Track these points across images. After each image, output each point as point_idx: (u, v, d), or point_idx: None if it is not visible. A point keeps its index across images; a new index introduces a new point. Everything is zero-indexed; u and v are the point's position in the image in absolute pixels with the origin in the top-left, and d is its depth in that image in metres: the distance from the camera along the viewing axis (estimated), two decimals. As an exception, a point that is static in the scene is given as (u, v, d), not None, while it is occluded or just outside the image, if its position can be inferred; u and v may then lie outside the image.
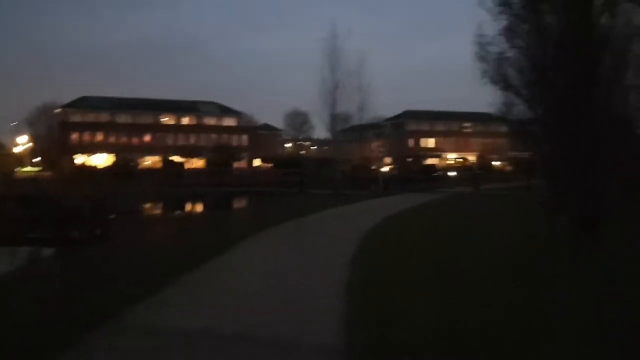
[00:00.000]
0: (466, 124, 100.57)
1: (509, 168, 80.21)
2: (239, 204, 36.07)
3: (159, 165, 70.78)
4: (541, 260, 9.81)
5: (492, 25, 24.36)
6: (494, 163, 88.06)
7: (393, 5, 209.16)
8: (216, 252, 11.06)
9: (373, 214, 19.14)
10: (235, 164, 73.64)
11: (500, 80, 24.03)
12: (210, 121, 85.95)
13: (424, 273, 8.78)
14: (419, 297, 7.20)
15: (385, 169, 70.54)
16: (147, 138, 79.86)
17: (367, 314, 6.49)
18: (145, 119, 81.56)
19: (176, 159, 72.28)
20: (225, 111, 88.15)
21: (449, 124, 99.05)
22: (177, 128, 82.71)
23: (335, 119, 36.98)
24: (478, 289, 7.57)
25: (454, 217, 18.95)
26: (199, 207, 37.50)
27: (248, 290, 8.22)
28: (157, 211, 36.01)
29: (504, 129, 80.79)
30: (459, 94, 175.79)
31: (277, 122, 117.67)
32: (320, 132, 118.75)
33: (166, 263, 10.02)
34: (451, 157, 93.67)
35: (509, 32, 23.76)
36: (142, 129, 79.71)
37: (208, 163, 71.49)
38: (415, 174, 49.24)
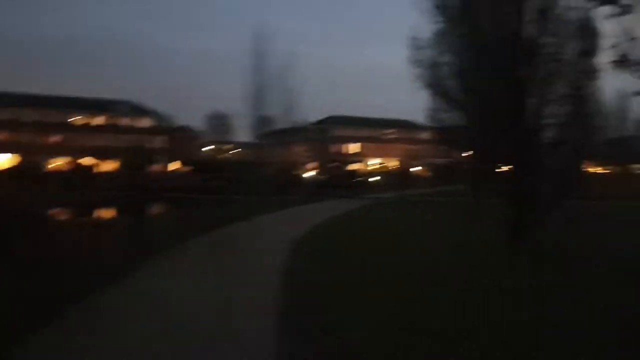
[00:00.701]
0: (388, 130, 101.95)
1: (428, 174, 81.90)
2: (154, 211, 33.22)
3: (69, 167, 66.05)
4: (481, 283, 8.90)
5: (426, 29, 23.98)
6: (414, 169, 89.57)
7: (317, 10, 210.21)
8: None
9: (303, 223, 17.90)
10: (152, 167, 70.01)
11: (433, 85, 23.63)
12: (125, 121, 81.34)
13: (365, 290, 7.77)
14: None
15: (310, 173, 69.59)
16: (55, 138, 74.25)
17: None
18: (55, 117, 75.91)
19: (88, 161, 67.76)
20: (141, 111, 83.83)
21: (372, 130, 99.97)
22: (89, 128, 77.48)
23: (260, 121, 35.37)
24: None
25: (388, 225, 18.27)
26: (106, 215, 34.46)
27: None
28: (61, 217, 32.76)
29: (424, 135, 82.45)
30: (382, 100, 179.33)
31: (198, 124, 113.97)
32: (243, 135, 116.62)
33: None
34: (373, 162, 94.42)
35: (442, 36, 23.38)
36: (50, 128, 74.06)
37: (122, 166, 67.45)
38: (342, 180, 48.54)
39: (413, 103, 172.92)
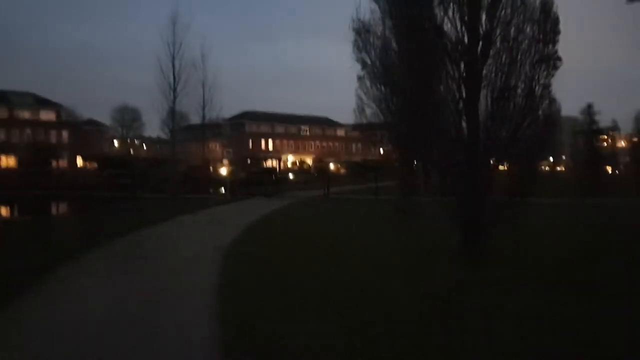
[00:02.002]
0: (304, 127, 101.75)
1: (343, 171, 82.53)
2: (54, 213, 30.30)
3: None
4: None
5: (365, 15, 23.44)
6: (332, 166, 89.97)
7: (231, 5, 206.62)
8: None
9: (227, 226, 16.21)
10: (55, 164, 65.41)
11: (378, 74, 23.16)
12: (25, 114, 75.36)
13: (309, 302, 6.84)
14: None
15: (224, 170, 67.82)
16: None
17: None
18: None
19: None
20: (43, 103, 78.07)
21: (288, 126, 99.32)
22: (-16, 121, 70.99)
23: (174, 115, 33.63)
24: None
25: (321, 226, 16.58)
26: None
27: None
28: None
29: (341, 132, 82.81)
30: (298, 97, 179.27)
31: (105, 118, 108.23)
32: (153, 130, 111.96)
33: None
34: (291, 159, 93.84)
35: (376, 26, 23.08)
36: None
37: (21, 162, 62.46)
38: (261, 177, 47.36)
39: (331, 100, 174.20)
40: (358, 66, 23.72)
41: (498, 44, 10.50)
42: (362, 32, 22.85)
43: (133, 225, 15.63)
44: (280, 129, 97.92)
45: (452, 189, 11.41)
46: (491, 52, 10.49)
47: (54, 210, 31.24)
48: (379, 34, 23.04)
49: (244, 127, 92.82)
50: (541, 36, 10.44)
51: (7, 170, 61.06)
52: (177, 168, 38.26)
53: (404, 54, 18.88)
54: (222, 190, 41.24)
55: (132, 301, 7.50)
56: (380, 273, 8.98)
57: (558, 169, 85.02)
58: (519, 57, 10.41)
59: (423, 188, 20.09)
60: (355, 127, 31.75)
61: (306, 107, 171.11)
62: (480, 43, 10.46)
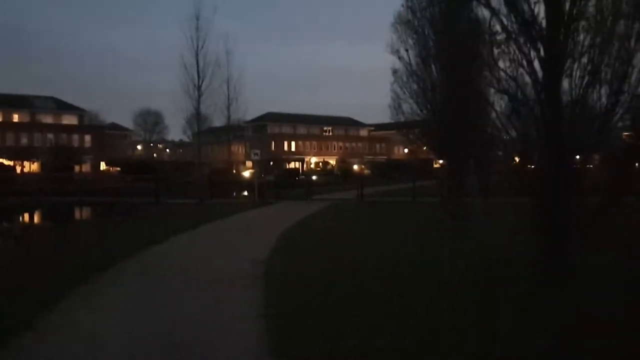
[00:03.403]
0: (327, 127, 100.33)
1: (367, 171, 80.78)
2: (71, 222, 28.43)
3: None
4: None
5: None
6: (356, 166, 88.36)
7: (252, 8, 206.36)
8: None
9: (261, 236, 14.49)
10: (77, 168, 64.90)
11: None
12: (48, 119, 75.21)
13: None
14: None
15: (249, 173, 66.72)
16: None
17: None
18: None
19: (6, 161, 61.92)
20: (65, 107, 77.92)
21: (311, 127, 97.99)
22: (7, 125, 70.83)
23: (199, 114, 32.41)
24: None
25: (365, 235, 14.52)
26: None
27: None
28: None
29: (364, 132, 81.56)
30: (320, 98, 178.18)
31: (128, 122, 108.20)
32: (176, 133, 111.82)
33: None
34: (313, 160, 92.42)
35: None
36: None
37: (44, 167, 62.02)
38: (286, 179, 46.01)
39: (353, 100, 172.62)
40: (393, 60, 22.33)
41: (584, 21, 8.88)
42: (400, 22, 21.45)
43: (156, 236, 14.02)
44: (302, 130, 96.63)
45: (527, 190, 9.79)
46: (577, 30, 8.87)
47: (72, 217, 30.11)
48: (417, 23, 21.61)
49: (267, 129, 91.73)
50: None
51: (30, 175, 60.55)
52: (201, 171, 37.07)
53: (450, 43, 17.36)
54: (247, 193, 39.94)
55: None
56: (450, 306, 7.30)
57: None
58: (610, 35, 8.78)
59: (475, 189, 18.43)
60: (391, 125, 30.14)
61: (328, 108, 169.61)
62: (565, 18, 8.81)
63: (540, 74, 9.36)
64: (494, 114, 10.37)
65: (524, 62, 9.45)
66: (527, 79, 9.65)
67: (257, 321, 6.59)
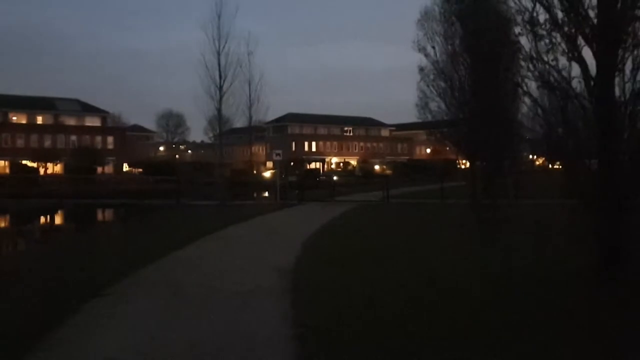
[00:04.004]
0: (347, 128, 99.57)
1: (389, 172, 79.72)
2: (93, 225, 27.69)
3: (8, 170, 60.61)
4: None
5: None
6: (377, 167, 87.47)
7: (272, 9, 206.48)
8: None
9: (286, 241, 13.68)
10: (100, 169, 65.11)
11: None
12: (71, 120, 75.73)
13: None
14: None
15: (268, 173, 66.33)
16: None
17: None
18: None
19: (29, 163, 62.37)
20: (88, 110, 78.39)
21: (331, 127, 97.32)
22: (31, 127, 71.41)
23: (220, 114, 31.94)
24: None
25: (395, 241, 13.42)
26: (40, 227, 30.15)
27: None
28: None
29: (384, 133, 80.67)
30: (340, 98, 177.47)
31: (150, 124, 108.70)
32: (197, 135, 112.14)
33: None
34: (334, 161, 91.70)
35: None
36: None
37: (67, 168, 62.31)
38: (308, 180, 45.33)
39: (374, 100, 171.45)
40: (419, 58, 21.64)
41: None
42: (426, 18, 20.81)
43: (175, 242, 13.37)
44: (323, 130, 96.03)
45: (576, 193, 8.99)
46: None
47: (93, 220, 29.81)
48: (444, 19, 20.93)
49: (287, 129, 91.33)
50: None
51: (53, 176, 60.94)
52: (222, 172, 36.64)
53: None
54: (269, 194, 39.44)
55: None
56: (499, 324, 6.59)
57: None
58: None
59: (511, 191, 17.57)
60: (413, 124, 29.34)
61: (349, 108, 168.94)
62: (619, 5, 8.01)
63: (587, 67, 8.65)
64: (533, 111, 9.54)
65: (572, 54, 8.72)
66: (572, 73, 8.93)
67: (287, 346, 5.90)
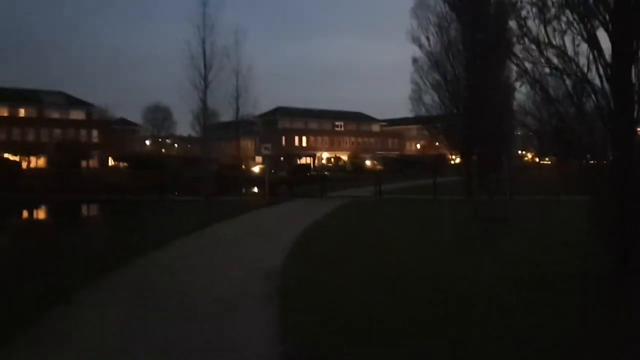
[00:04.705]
0: (338, 123, 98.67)
1: (379, 167, 78.92)
2: (68, 224, 25.96)
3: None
4: None
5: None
6: (367, 162, 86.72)
7: (260, 2, 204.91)
8: None
9: (274, 240, 12.75)
10: (85, 163, 63.67)
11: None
12: (55, 113, 74.09)
13: None
14: None
15: (257, 168, 65.32)
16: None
17: None
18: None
19: (11, 157, 60.86)
20: (74, 102, 76.76)
21: (322, 122, 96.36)
22: (14, 120, 69.77)
23: (205, 106, 30.85)
24: None
25: (390, 240, 12.55)
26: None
27: None
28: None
29: (375, 128, 79.91)
30: (331, 93, 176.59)
31: (136, 118, 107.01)
32: (185, 129, 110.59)
33: None
34: (324, 156, 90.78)
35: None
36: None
37: (51, 162, 60.84)
38: (298, 175, 44.48)
39: (365, 95, 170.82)
40: (412, 49, 20.86)
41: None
42: (421, 6, 19.98)
43: (155, 240, 12.41)
44: (314, 125, 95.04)
45: (590, 190, 8.21)
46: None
47: (73, 215, 28.60)
48: (439, 8, 20.12)
49: (277, 124, 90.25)
50: None
51: (36, 170, 59.49)
52: (209, 167, 35.65)
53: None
54: (257, 190, 38.56)
55: None
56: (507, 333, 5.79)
57: None
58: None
59: (507, 187, 16.80)
60: (404, 120, 28.58)
61: (340, 103, 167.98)
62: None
63: (602, 51, 7.87)
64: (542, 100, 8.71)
65: (585, 37, 7.93)
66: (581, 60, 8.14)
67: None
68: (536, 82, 8.14)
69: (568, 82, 7.90)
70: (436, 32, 19.76)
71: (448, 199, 22.10)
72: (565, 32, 8.23)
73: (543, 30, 8.26)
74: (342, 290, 7.70)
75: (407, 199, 25.29)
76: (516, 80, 8.37)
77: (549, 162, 51.45)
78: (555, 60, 8.14)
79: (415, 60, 20.45)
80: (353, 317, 6.35)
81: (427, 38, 19.73)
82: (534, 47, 8.49)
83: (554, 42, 8.20)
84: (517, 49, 9.02)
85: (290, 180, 33.84)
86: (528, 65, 8.59)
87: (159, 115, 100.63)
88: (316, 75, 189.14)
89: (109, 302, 7.46)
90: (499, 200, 16.82)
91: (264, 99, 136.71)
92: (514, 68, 10.15)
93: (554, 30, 8.39)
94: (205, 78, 30.08)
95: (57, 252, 11.55)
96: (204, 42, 30.56)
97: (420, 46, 19.89)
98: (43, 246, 13.38)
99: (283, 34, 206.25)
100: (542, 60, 8.10)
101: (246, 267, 9.75)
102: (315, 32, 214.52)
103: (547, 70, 8.19)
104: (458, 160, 27.76)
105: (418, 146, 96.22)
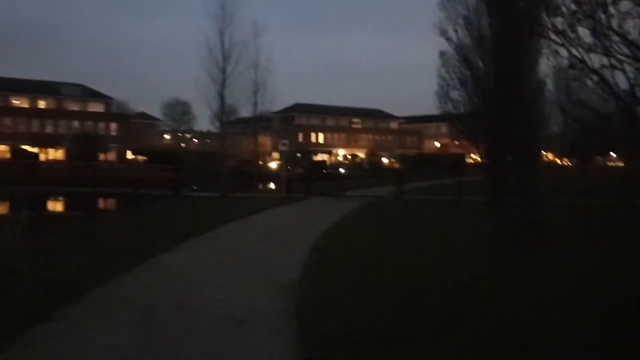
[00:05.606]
0: (356, 119, 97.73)
1: (397, 165, 77.78)
2: (74, 218, 25.11)
3: (7, 155, 59.15)
4: None
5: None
6: (385, 160, 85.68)
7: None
8: None
9: (291, 242, 11.91)
10: (102, 156, 63.55)
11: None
12: (74, 106, 74.18)
13: None
14: None
15: (274, 164, 64.74)
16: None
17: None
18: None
19: (30, 149, 60.96)
20: (93, 95, 76.84)
21: (339, 119, 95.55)
22: (32, 112, 69.92)
23: (223, 100, 30.07)
24: None
25: (416, 249, 11.16)
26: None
27: None
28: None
29: (393, 125, 78.67)
30: (349, 90, 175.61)
31: (156, 112, 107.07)
32: (204, 123, 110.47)
33: None
34: (341, 153, 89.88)
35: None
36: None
37: (68, 154, 60.80)
38: (314, 172, 43.67)
39: (384, 92, 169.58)
40: (441, 42, 19.91)
41: None
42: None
43: (164, 241, 11.50)
44: (331, 121, 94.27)
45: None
46: None
47: (87, 209, 28.00)
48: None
49: (294, 120, 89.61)
50: None
51: (53, 162, 59.44)
52: (227, 162, 35.02)
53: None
54: (274, 186, 37.89)
55: None
56: None
57: None
58: None
59: (539, 189, 15.74)
60: (423, 117, 27.58)
61: (357, 100, 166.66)
62: None
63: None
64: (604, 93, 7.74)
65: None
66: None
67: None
68: (593, 72, 7.22)
69: (631, 71, 6.99)
70: (466, 25, 18.75)
71: (474, 200, 21.12)
72: (625, 17, 7.34)
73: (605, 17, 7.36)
74: (364, 310, 6.66)
75: (430, 200, 24.24)
76: (570, 67, 7.45)
77: (570, 164, 50.06)
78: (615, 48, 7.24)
79: (442, 54, 19.50)
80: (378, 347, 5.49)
81: (455, 30, 18.73)
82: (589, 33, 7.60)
83: (614, 28, 7.30)
84: (566, 36, 8.12)
85: (307, 178, 32.95)
86: (582, 53, 7.70)
87: (178, 110, 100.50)
88: (334, 72, 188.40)
89: (105, 316, 6.72)
90: (530, 203, 15.76)
91: (281, 95, 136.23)
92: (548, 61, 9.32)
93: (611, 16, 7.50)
94: (223, 71, 29.33)
95: (55, 255, 10.67)
96: (222, 33, 29.77)
97: (448, 39, 18.90)
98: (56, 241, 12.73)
99: (301, 29, 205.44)
100: (600, 48, 7.19)
101: (259, 277, 8.74)
102: (332, 29, 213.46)
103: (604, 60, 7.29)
104: (478, 159, 26.70)
105: (437, 144, 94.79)
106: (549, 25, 7.94)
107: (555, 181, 25.87)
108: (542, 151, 56.22)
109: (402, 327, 5.96)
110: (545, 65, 15.59)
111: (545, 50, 9.04)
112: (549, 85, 20.93)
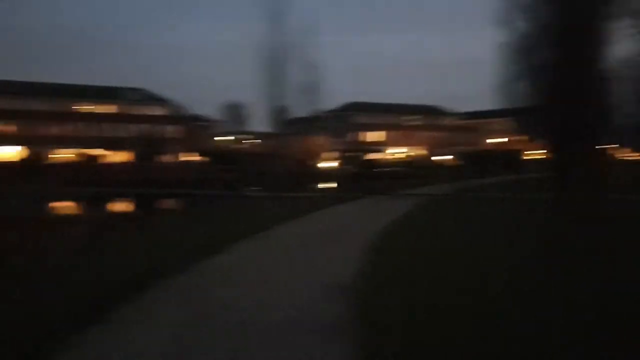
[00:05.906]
0: (411, 117, 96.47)
1: (456, 163, 76.11)
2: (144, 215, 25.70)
3: (74, 159, 61.89)
4: None
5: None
6: (442, 158, 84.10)
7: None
8: None
9: (347, 242, 11.77)
10: (165, 158, 65.57)
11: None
12: (136, 110, 76.87)
13: None
14: None
15: (330, 164, 64.82)
16: (62, 128, 69.64)
17: None
18: (62, 106, 71.61)
19: (95, 152, 63.64)
20: (154, 99, 79.36)
21: (394, 116, 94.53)
22: (98, 117, 72.92)
23: (278, 110, 30.49)
24: None
25: (497, 256, 9.99)
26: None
27: None
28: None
29: (451, 122, 77.42)
30: (403, 88, 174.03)
31: (213, 113, 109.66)
32: (259, 125, 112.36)
33: None
34: (397, 151, 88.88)
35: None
36: (57, 118, 69.58)
37: (132, 157, 63.10)
38: (368, 171, 43.45)
39: (439, 89, 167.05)
40: (500, 34, 19.30)
41: None
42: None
43: (220, 240, 11.70)
44: (385, 119, 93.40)
45: None
46: None
47: (149, 209, 28.77)
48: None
49: (349, 119, 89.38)
50: None
51: (117, 165, 61.75)
52: (283, 162, 35.33)
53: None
54: (329, 185, 37.92)
55: None
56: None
57: None
58: None
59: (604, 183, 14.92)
60: (482, 113, 26.80)
61: (412, 98, 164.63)
62: None
63: None
64: None
65: None
66: None
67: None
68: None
69: None
70: (529, 13, 18.04)
71: (536, 198, 20.37)
72: None
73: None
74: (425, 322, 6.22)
75: (490, 197, 23.46)
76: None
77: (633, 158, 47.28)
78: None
79: (502, 46, 18.86)
80: None
81: (518, 20, 18.07)
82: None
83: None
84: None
85: (361, 176, 32.77)
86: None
87: (236, 111, 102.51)
88: (389, 69, 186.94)
89: (156, 318, 6.85)
90: (596, 198, 14.99)
91: (336, 94, 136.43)
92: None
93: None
94: (278, 72, 29.67)
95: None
96: (275, 35, 30.10)
97: (510, 29, 18.25)
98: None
99: (354, 29, 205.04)
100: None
101: (317, 278, 8.54)
102: (386, 27, 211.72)
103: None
104: (537, 154, 25.76)
105: (496, 140, 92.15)
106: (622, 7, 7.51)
107: (626, 177, 24.68)
108: (616, 145, 53.69)
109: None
110: (617, 52, 14.89)
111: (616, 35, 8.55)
112: (621, 73, 20.00)
